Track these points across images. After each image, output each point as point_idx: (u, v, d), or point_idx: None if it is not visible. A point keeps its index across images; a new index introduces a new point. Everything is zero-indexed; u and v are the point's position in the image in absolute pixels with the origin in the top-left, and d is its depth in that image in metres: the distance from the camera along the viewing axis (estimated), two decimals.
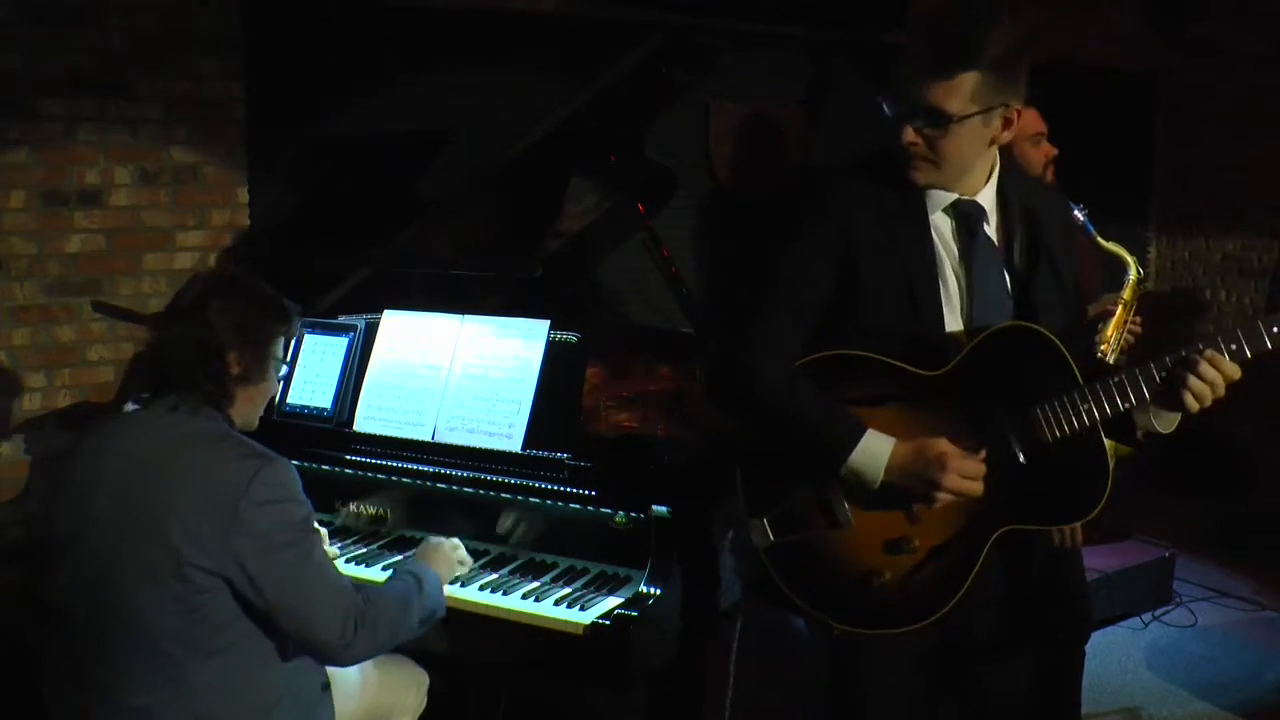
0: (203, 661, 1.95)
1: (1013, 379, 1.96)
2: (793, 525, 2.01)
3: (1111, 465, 2.00)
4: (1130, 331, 3.21)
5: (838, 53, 5.34)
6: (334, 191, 4.13)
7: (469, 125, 4.27)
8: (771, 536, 2.02)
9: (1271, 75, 5.86)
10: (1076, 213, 2.88)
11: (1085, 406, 1.94)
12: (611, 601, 2.36)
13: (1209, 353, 1.89)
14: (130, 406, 2.25)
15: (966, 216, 2.05)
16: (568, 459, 2.51)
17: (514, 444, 2.56)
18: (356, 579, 2.46)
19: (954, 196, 2.05)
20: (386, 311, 2.84)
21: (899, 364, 1.99)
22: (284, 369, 2.25)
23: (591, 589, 2.43)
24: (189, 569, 1.91)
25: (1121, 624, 4.27)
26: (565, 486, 2.49)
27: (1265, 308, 5.72)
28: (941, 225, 2.05)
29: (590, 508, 2.47)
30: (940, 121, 1.95)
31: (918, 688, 2.14)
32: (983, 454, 1.96)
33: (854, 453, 1.95)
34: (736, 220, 5.15)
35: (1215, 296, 6.34)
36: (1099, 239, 3.10)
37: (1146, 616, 4.28)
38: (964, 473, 1.93)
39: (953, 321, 2.03)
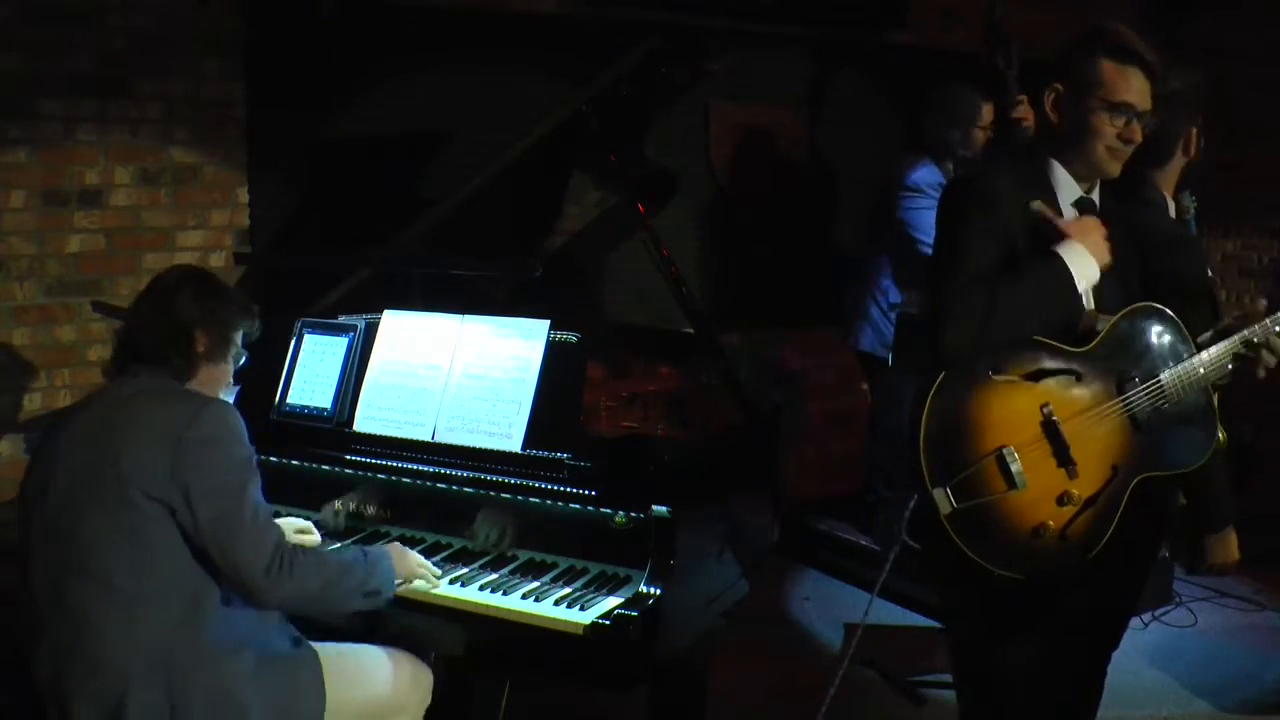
0: (154, 600, 2.08)
1: (1144, 349, 2.30)
2: (972, 491, 2.18)
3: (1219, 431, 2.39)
4: None
5: (838, 53, 5.34)
6: (334, 191, 4.14)
7: (469, 125, 4.27)
8: (953, 504, 2.16)
9: (1270, 75, 5.86)
10: (1189, 204, 2.94)
11: (1201, 370, 2.29)
12: (611, 601, 2.36)
13: None
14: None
15: (1090, 208, 2.35)
16: (568, 459, 2.51)
17: (514, 444, 2.56)
18: None
19: (1080, 192, 2.34)
20: (386, 311, 2.84)
21: (1054, 343, 2.26)
22: (244, 358, 2.42)
23: (591, 589, 2.43)
24: (135, 492, 2.08)
25: None
26: (565, 486, 2.49)
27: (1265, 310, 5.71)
28: (1070, 216, 2.33)
29: (590, 508, 2.47)
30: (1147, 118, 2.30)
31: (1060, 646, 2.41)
32: None
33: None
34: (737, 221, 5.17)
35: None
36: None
37: (1146, 616, 4.28)
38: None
39: (1088, 301, 2.33)
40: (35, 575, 2.15)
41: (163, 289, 2.32)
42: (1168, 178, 3.15)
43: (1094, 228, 2.27)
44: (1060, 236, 2.26)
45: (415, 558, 2.48)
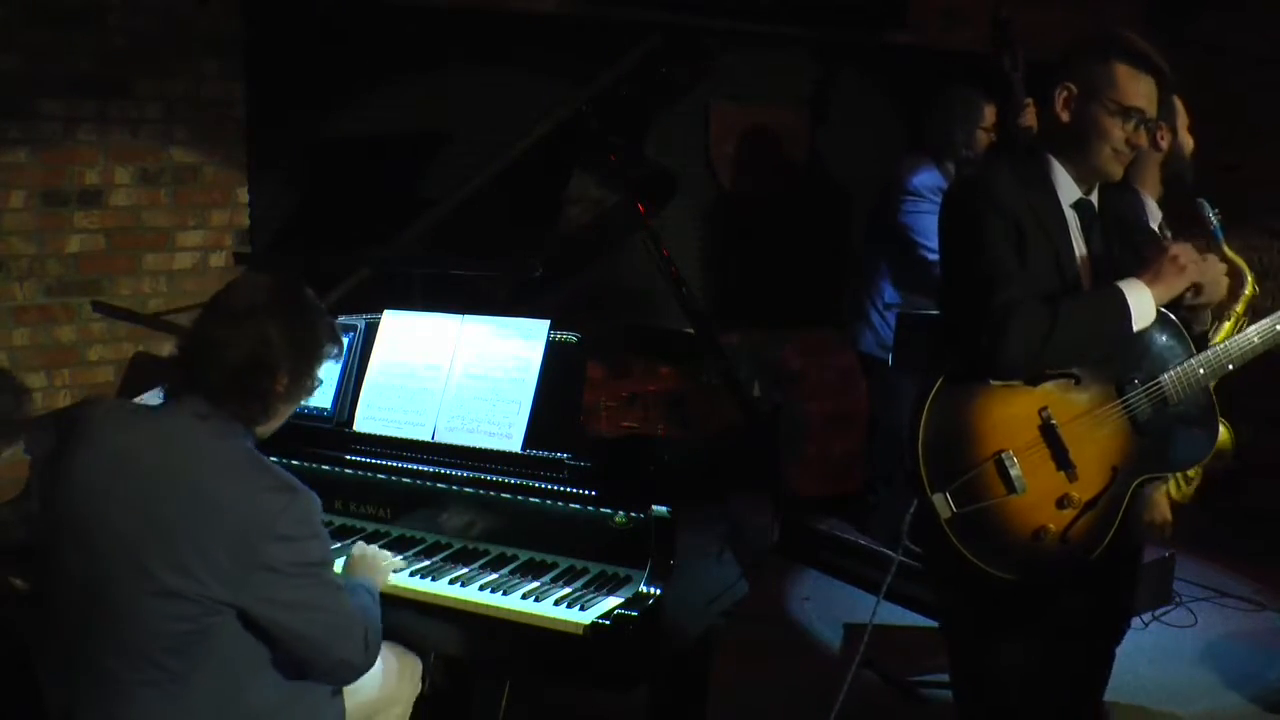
0: (197, 674, 1.90)
1: (1143, 351, 2.31)
2: (972, 496, 2.19)
3: (1221, 428, 2.41)
4: None
5: (838, 53, 5.34)
6: (334, 191, 4.14)
7: (469, 125, 4.27)
8: (953, 508, 2.18)
9: (1272, 75, 5.86)
10: (1210, 216, 2.95)
11: (1201, 371, 2.30)
12: (611, 601, 2.36)
13: None
14: (153, 398, 2.19)
15: (1089, 211, 2.36)
16: (568, 459, 2.51)
17: (514, 444, 2.56)
18: None
19: (1080, 194, 2.35)
20: (386, 311, 2.84)
21: None
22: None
23: (591, 589, 2.43)
24: (199, 593, 1.84)
25: None
26: (565, 486, 2.49)
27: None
28: (1069, 218, 2.34)
29: (590, 508, 2.47)
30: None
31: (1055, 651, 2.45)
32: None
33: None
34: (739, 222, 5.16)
35: None
36: (1225, 247, 3.11)
37: (1146, 616, 4.27)
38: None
39: None
40: (59, 606, 1.96)
41: (247, 311, 1.96)
42: (1143, 175, 3.15)
43: (1190, 265, 2.29)
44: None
45: (377, 562, 2.41)
